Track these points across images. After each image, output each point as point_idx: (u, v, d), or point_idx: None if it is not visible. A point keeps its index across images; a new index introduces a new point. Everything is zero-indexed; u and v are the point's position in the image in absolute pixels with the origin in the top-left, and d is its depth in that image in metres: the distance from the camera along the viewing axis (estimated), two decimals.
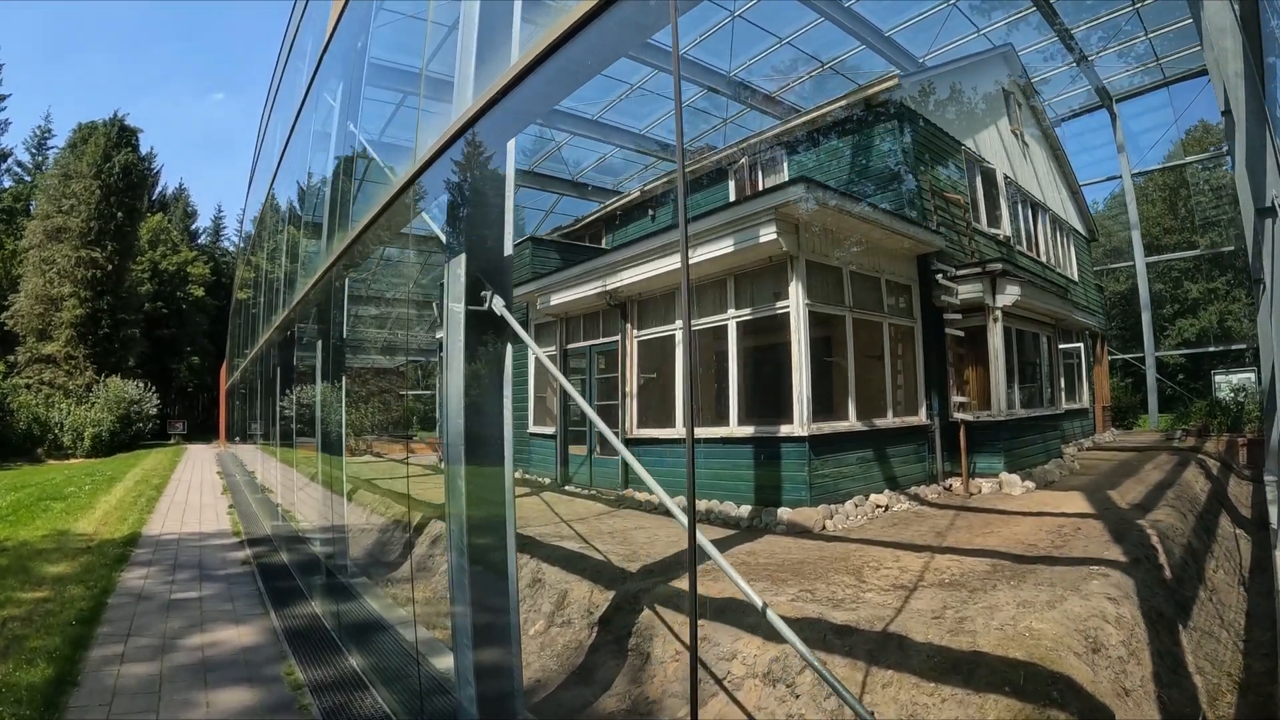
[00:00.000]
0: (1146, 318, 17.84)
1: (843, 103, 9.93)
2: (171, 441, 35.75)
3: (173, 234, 45.57)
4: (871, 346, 8.53)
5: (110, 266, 32.24)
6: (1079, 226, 16.46)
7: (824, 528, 6.86)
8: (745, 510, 7.34)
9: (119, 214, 32.81)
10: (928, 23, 14.65)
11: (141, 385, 30.29)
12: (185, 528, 10.09)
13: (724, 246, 7.46)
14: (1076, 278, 15.40)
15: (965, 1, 14.47)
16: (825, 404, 7.73)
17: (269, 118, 19.30)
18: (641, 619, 4.69)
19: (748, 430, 7.59)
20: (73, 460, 25.11)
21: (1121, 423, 17.25)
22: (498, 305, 3.39)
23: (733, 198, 11.82)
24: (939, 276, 9.17)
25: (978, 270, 9.34)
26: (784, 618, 4.38)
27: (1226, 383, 17.72)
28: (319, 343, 7.42)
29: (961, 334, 9.27)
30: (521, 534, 6.77)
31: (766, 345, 7.90)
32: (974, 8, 14.99)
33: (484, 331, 3.40)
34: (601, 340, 9.99)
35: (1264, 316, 11.10)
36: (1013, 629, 3.81)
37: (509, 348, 3.57)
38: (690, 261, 7.85)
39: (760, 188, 11.32)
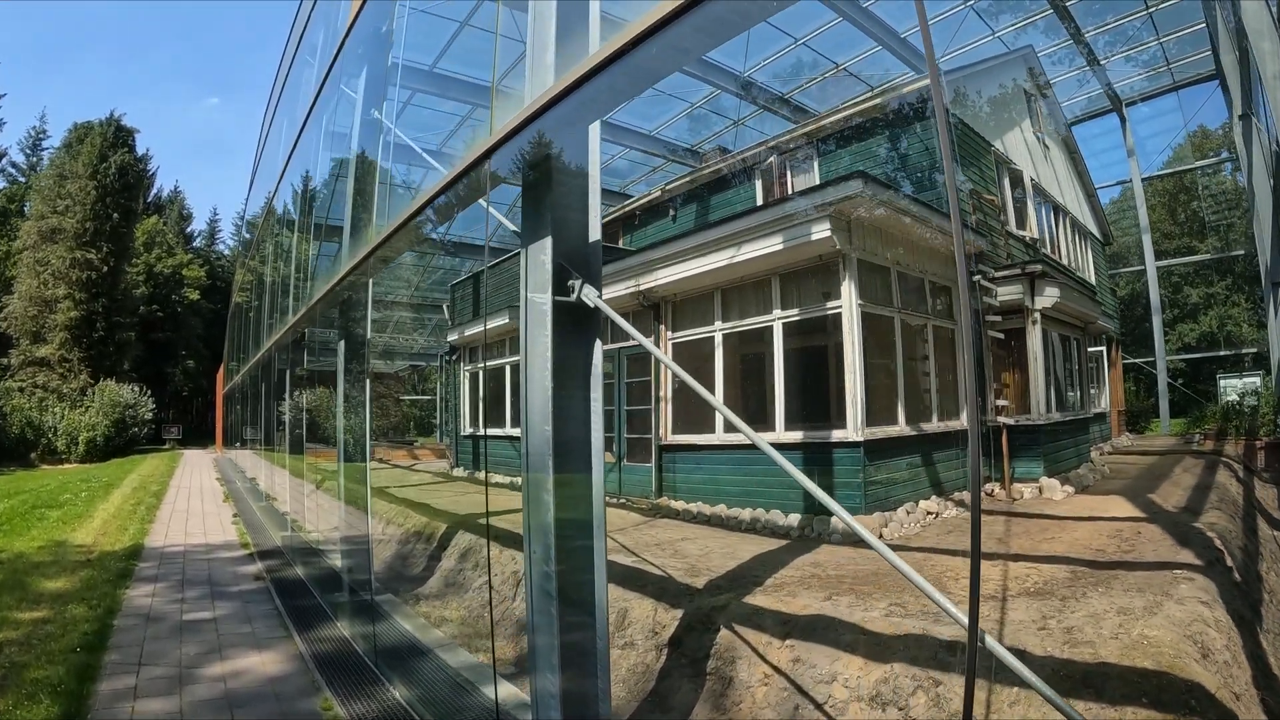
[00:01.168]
0: (1157, 321, 17.56)
1: (878, 99, 9.49)
2: (166, 446, 34.79)
3: (168, 236, 44.58)
4: (916, 349, 8.07)
5: (105, 268, 31.31)
6: (1094, 230, 16.16)
7: (881, 536, 6.37)
8: (794, 519, 6.83)
9: (115, 215, 31.89)
10: (942, 25, 14.30)
11: (136, 389, 29.34)
12: (190, 539, 9.44)
13: (771, 244, 6.96)
14: (1094, 281, 15.07)
15: (982, 3, 14.14)
16: (872, 408, 7.24)
17: (273, 115, 18.63)
18: (720, 639, 4.18)
19: (795, 436, 7.09)
20: (67, 465, 24.20)
21: (1133, 427, 16.92)
22: (589, 295, 2.96)
23: (760, 197, 11.34)
24: (978, 278, 8.73)
25: (1017, 272, 8.94)
26: (885, 634, 3.93)
27: (1233, 386, 17.44)
28: (341, 343, 6.85)
29: (1001, 336, 8.84)
30: None
31: (814, 347, 7.41)
32: (989, 9, 14.69)
33: (571, 325, 2.95)
34: (632, 343, 9.44)
35: None
36: (1127, 637, 3.54)
37: (597, 344, 3.11)
38: (734, 260, 7.37)
39: (790, 187, 10.85)
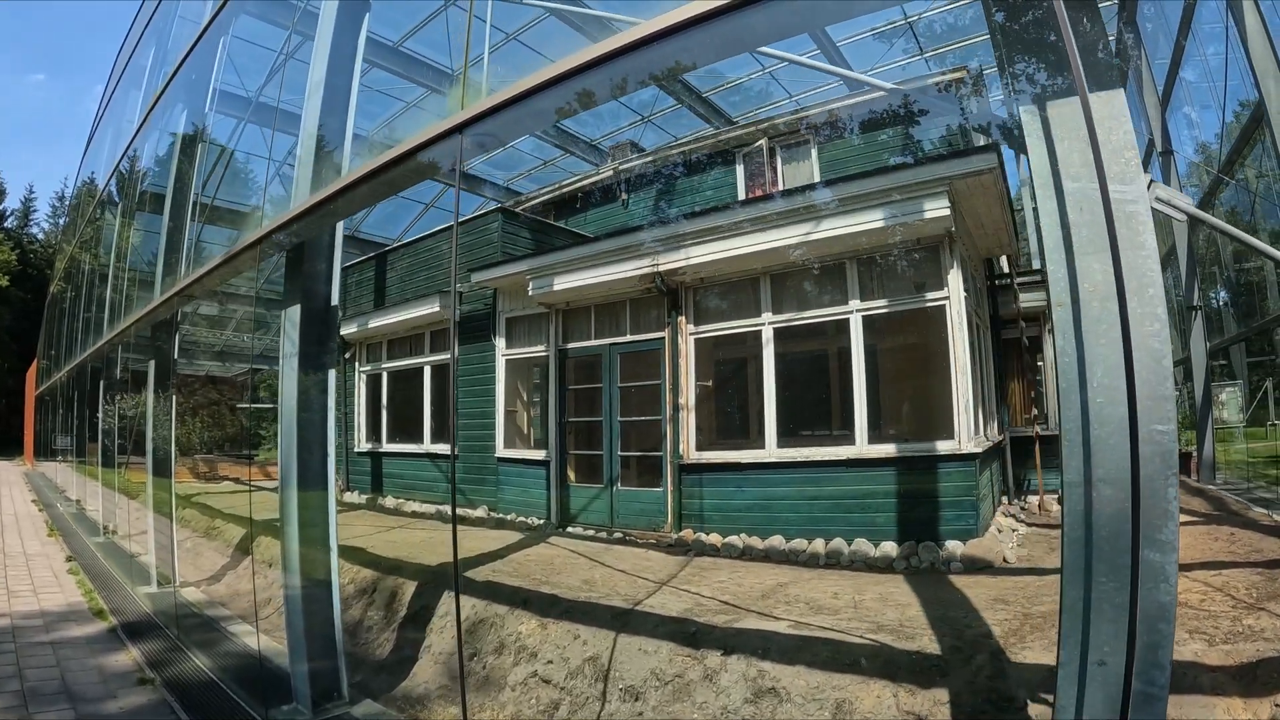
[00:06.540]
0: None
1: (905, 88, 8.37)
2: None
3: None
4: (974, 350, 6.97)
5: None
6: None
7: (1005, 561, 5.07)
8: (890, 548, 5.35)
9: None
10: (867, 43, 13.83)
11: None
12: (15, 602, 6.23)
13: (863, 220, 5.49)
14: None
15: (923, 21, 13.81)
16: (947, 417, 5.96)
17: (125, 66, 14.66)
18: None
19: (885, 450, 5.63)
20: None
21: None
22: (1173, 198, 1.79)
23: (742, 185, 9.89)
24: (1008, 281, 7.88)
25: (1038, 279, 8.21)
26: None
27: None
28: (295, 310, 4.40)
29: (1028, 342, 8.04)
30: (646, 611, 4.27)
31: (904, 346, 6.01)
32: (929, 27, 14.45)
33: None
34: (630, 338, 7.51)
35: (1196, 338, 10.92)
36: None
37: None
38: (809, 236, 5.82)
39: (780, 176, 9.50)
